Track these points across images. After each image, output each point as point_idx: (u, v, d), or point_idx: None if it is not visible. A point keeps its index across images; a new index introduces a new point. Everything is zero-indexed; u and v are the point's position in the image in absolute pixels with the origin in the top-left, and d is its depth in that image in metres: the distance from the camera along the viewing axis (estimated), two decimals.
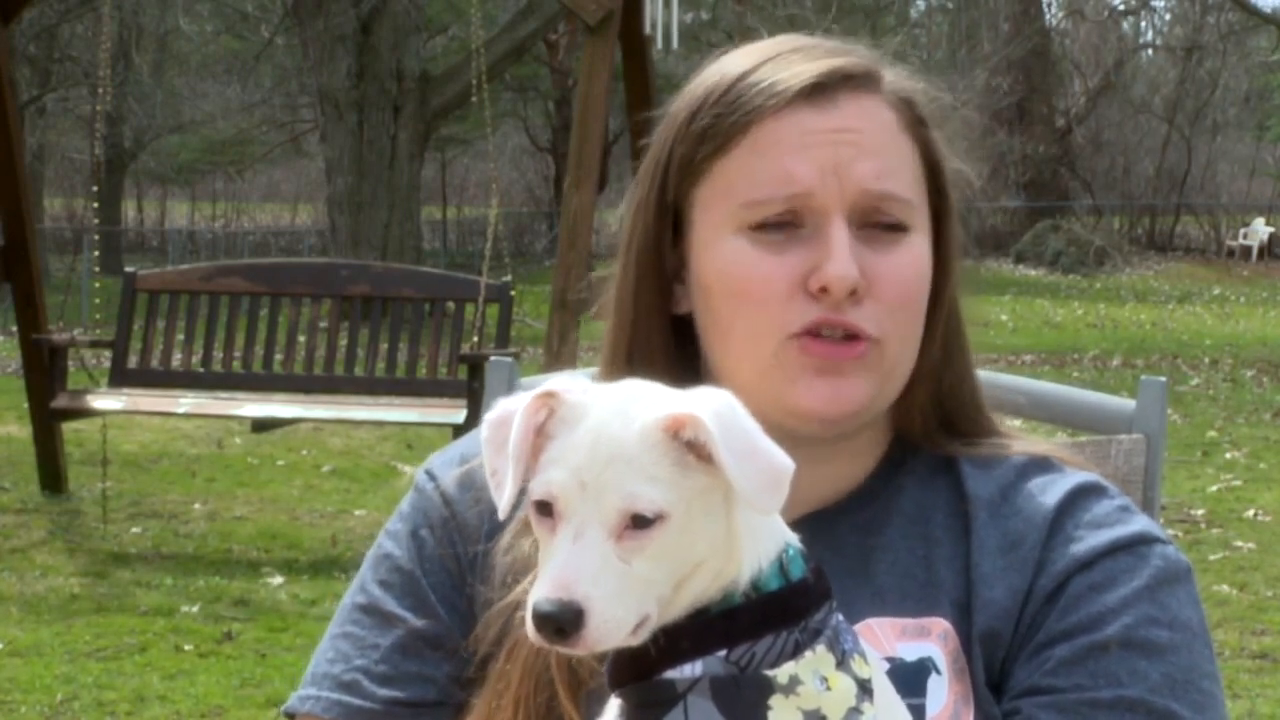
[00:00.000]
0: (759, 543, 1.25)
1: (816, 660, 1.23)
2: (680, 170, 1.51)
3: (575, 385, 1.25)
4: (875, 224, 1.48)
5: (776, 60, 1.51)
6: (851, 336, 1.47)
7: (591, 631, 1.18)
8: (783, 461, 1.20)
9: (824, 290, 1.45)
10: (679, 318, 1.54)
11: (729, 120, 1.48)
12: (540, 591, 1.19)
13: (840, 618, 1.28)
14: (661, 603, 1.22)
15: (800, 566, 1.26)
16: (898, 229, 1.49)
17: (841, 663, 1.24)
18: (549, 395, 1.24)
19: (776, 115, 1.47)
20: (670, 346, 1.54)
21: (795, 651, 1.22)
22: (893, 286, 1.48)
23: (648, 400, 1.22)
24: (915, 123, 1.53)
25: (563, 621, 1.17)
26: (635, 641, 1.22)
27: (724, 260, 1.48)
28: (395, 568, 1.59)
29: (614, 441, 1.20)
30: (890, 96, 1.52)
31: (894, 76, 1.54)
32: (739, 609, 1.23)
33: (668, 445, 1.20)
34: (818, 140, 1.47)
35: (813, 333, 1.46)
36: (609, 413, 1.22)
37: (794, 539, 1.28)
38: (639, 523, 1.19)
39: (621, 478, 1.19)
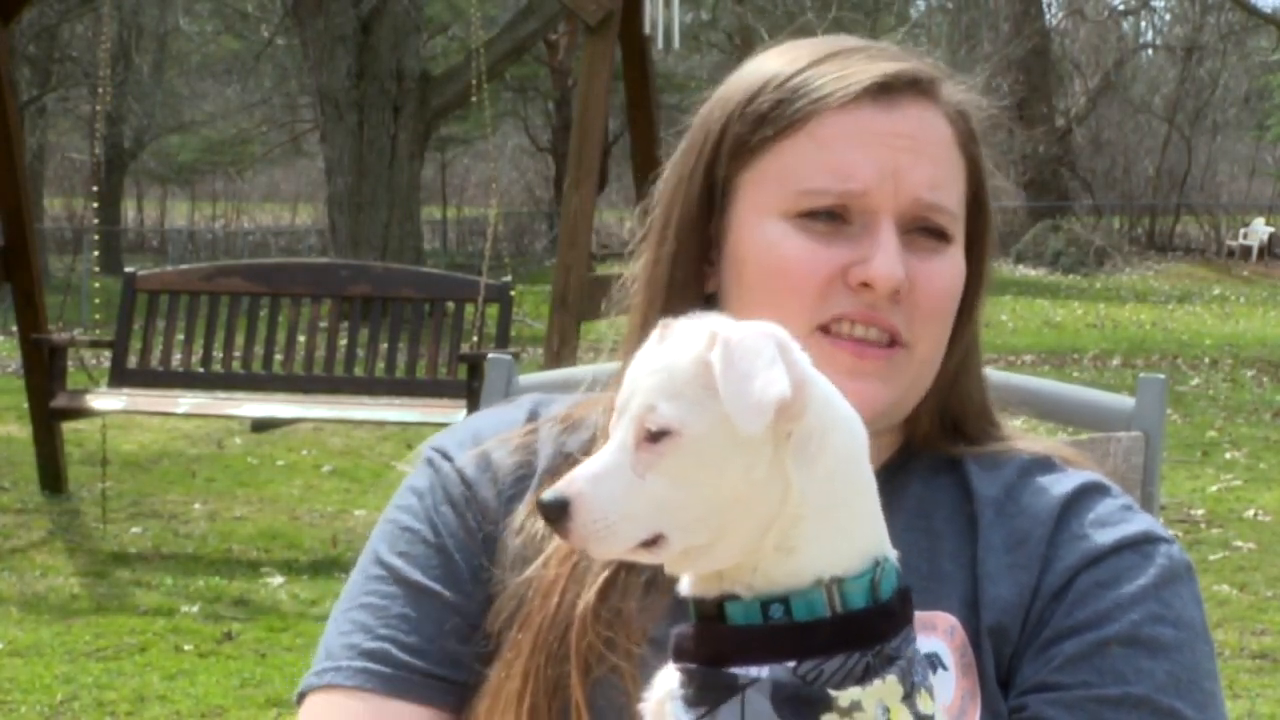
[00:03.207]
0: (846, 528, 1.23)
1: (884, 689, 1.21)
2: (733, 150, 1.51)
3: (694, 318, 1.26)
4: (920, 230, 1.49)
5: (840, 57, 1.52)
6: (883, 339, 1.48)
7: (578, 527, 1.20)
8: (773, 389, 1.18)
9: (865, 286, 1.46)
10: (707, 296, 1.55)
11: (792, 107, 1.49)
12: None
13: (917, 648, 1.26)
14: (686, 530, 1.21)
15: (891, 585, 1.24)
16: (942, 237, 1.50)
17: (908, 696, 1.22)
18: (665, 325, 1.27)
19: (841, 109, 1.48)
20: None
21: (864, 676, 1.20)
22: (931, 294, 1.49)
23: (715, 327, 1.23)
24: (968, 138, 1.54)
25: (549, 510, 1.20)
26: (651, 559, 1.22)
27: (766, 241, 1.49)
28: (419, 540, 1.55)
29: (660, 360, 1.23)
30: (948, 108, 1.53)
31: (952, 88, 1.55)
32: (818, 624, 1.21)
33: (701, 367, 1.21)
34: (879, 141, 1.48)
35: (841, 330, 1.47)
36: (681, 337, 1.24)
37: (892, 554, 1.26)
38: (654, 437, 1.20)
39: (648, 392, 1.22)
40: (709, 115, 1.54)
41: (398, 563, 1.54)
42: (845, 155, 1.47)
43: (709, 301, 1.53)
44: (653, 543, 1.21)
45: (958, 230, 1.53)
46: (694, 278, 1.54)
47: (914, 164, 1.48)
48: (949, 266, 1.51)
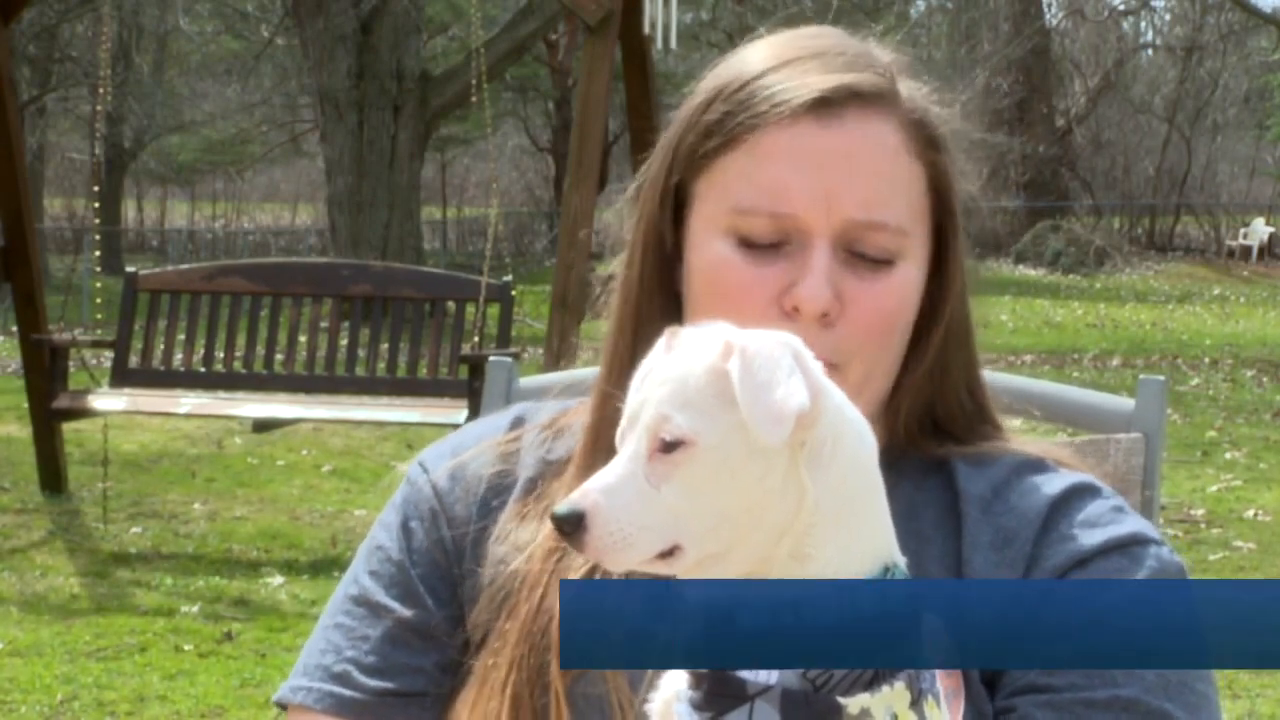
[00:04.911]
0: (857, 534, 1.23)
1: (893, 696, 1.21)
2: (687, 159, 1.52)
3: (702, 327, 1.26)
4: (860, 253, 1.48)
5: (793, 65, 1.50)
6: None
7: (594, 539, 1.19)
8: (793, 400, 1.18)
9: (796, 309, 1.46)
10: (679, 297, 1.55)
11: (735, 120, 1.49)
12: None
13: None
14: (702, 540, 1.20)
15: None
16: (882, 263, 1.49)
17: (915, 702, 1.22)
18: (672, 334, 1.27)
19: (780, 125, 1.47)
20: (673, 323, 1.54)
21: (873, 682, 1.20)
22: (867, 314, 1.48)
23: (729, 336, 1.22)
24: (926, 145, 1.51)
25: (564, 523, 1.19)
26: (666, 570, 1.22)
27: (710, 258, 1.50)
28: (386, 559, 1.62)
29: (671, 369, 1.22)
30: (902, 117, 1.50)
31: (910, 94, 1.52)
32: None
33: (714, 377, 1.20)
34: (814, 160, 1.46)
35: None
36: (692, 346, 1.24)
37: (901, 561, 1.26)
38: (668, 447, 1.20)
39: (660, 402, 1.21)
40: (678, 116, 1.55)
41: (367, 582, 1.62)
42: (779, 174, 1.47)
43: (679, 304, 1.54)
44: (669, 553, 1.21)
45: (908, 244, 1.49)
46: (662, 280, 1.54)
47: (849, 182, 1.46)
48: (892, 285, 1.49)
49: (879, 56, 1.54)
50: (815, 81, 1.48)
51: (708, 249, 1.50)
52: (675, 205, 1.54)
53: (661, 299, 1.54)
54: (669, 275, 1.55)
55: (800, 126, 1.47)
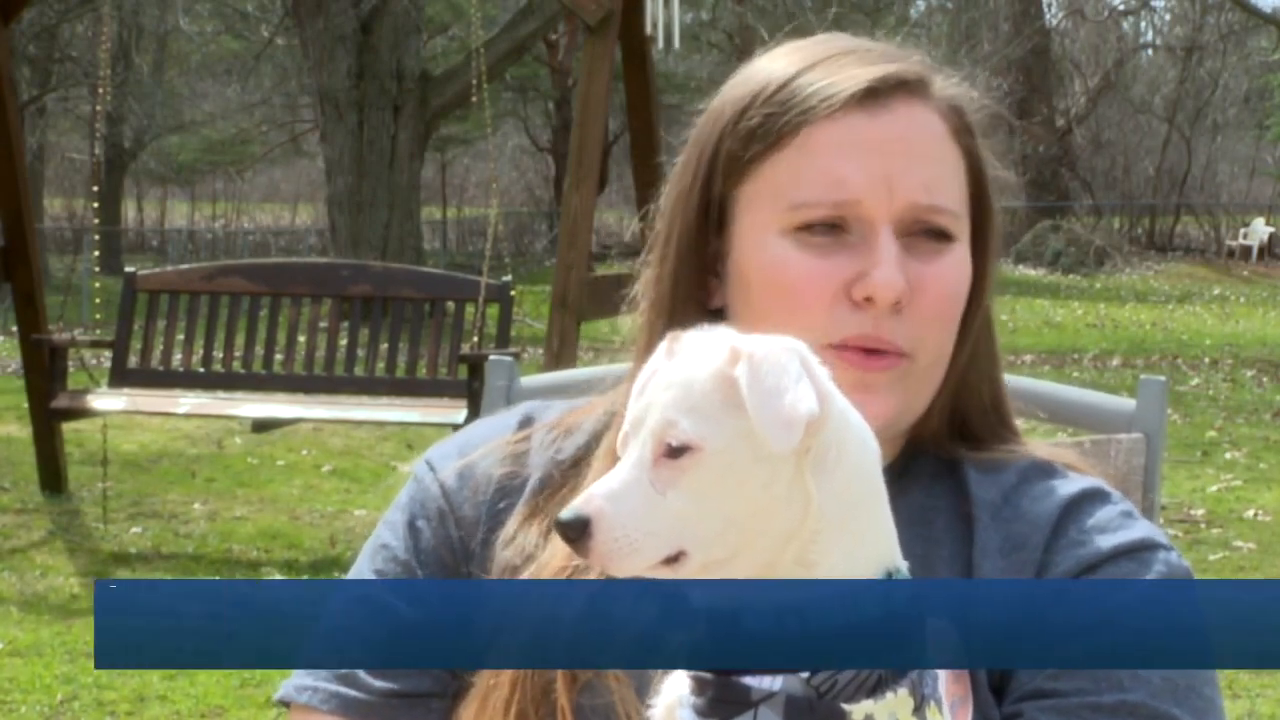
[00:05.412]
0: (860, 539, 1.23)
1: (896, 702, 1.20)
2: (727, 166, 1.51)
3: (703, 332, 1.25)
4: (920, 232, 1.48)
5: (829, 62, 1.50)
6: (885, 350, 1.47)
7: (599, 545, 1.18)
8: (803, 406, 1.17)
9: (868, 300, 1.45)
10: (712, 312, 1.54)
11: (780, 120, 1.48)
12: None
13: None
14: (707, 546, 1.20)
15: None
16: (943, 237, 1.49)
17: (918, 708, 1.22)
18: (673, 339, 1.26)
19: (829, 118, 1.47)
20: None
21: (877, 687, 1.20)
22: (934, 297, 1.48)
23: (734, 342, 1.22)
24: (963, 131, 1.53)
25: (569, 529, 1.18)
26: (670, 575, 1.21)
27: (767, 259, 1.48)
28: (391, 558, 1.59)
29: (675, 374, 1.22)
30: (940, 104, 1.52)
31: (943, 83, 1.54)
32: None
33: (720, 382, 1.20)
34: (870, 147, 1.47)
35: (848, 346, 1.46)
36: (695, 351, 1.23)
37: (903, 566, 1.26)
38: (674, 453, 1.19)
39: (665, 407, 1.20)
40: (703, 130, 1.54)
41: None
42: (836, 165, 1.46)
43: (714, 316, 1.52)
44: (674, 559, 1.20)
45: (960, 228, 1.51)
46: (697, 294, 1.53)
47: (907, 167, 1.47)
48: (952, 267, 1.50)
49: (906, 51, 1.55)
50: (859, 73, 1.48)
51: (764, 250, 1.48)
52: (715, 215, 1.53)
53: (697, 312, 1.52)
54: (704, 288, 1.54)
55: (850, 118, 1.47)
